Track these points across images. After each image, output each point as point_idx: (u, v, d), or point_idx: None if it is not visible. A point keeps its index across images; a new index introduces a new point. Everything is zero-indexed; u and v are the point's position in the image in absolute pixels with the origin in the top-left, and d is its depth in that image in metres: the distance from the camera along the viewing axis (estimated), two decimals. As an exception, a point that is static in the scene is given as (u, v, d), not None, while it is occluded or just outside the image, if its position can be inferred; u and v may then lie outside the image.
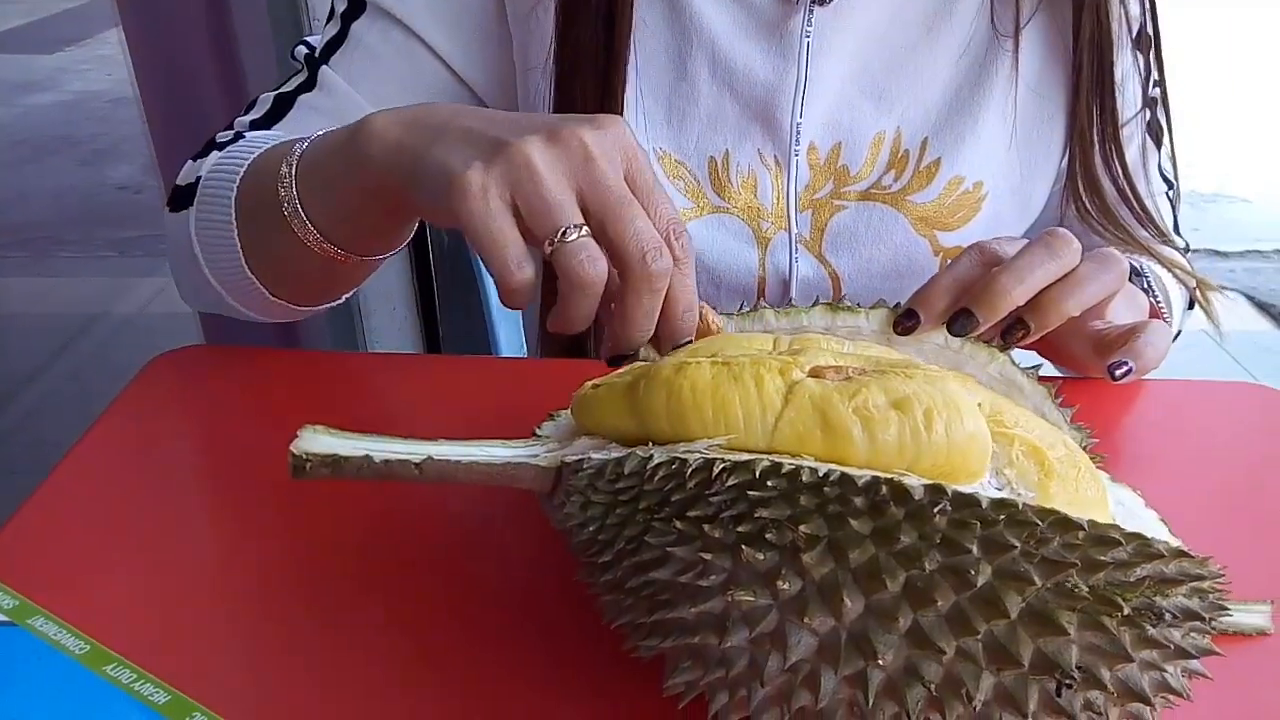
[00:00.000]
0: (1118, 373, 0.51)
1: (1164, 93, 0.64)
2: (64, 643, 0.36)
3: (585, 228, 0.37)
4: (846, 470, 0.29)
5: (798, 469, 0.29)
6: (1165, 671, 0.29)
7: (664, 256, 0.37)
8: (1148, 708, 0.29)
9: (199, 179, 0.55)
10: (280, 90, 0.62)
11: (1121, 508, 0.39)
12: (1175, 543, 0.37)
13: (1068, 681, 0.27)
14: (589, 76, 0.58)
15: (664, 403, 0.32)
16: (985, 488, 0.32)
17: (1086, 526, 0.27)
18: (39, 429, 1.87)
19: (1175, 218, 0.68)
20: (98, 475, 0.49)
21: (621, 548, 0.32)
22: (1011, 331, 0.47)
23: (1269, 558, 0.47)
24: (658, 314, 0.38)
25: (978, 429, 0.30)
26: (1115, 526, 0.28)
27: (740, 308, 0.45)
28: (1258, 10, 4.99)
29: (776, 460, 0.29)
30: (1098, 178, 0.62)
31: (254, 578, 0.43)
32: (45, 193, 3.00)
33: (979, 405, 0.36)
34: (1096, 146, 0.62)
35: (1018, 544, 0.27)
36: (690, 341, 0.39)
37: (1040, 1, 0.62)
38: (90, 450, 0.51)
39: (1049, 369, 0.59)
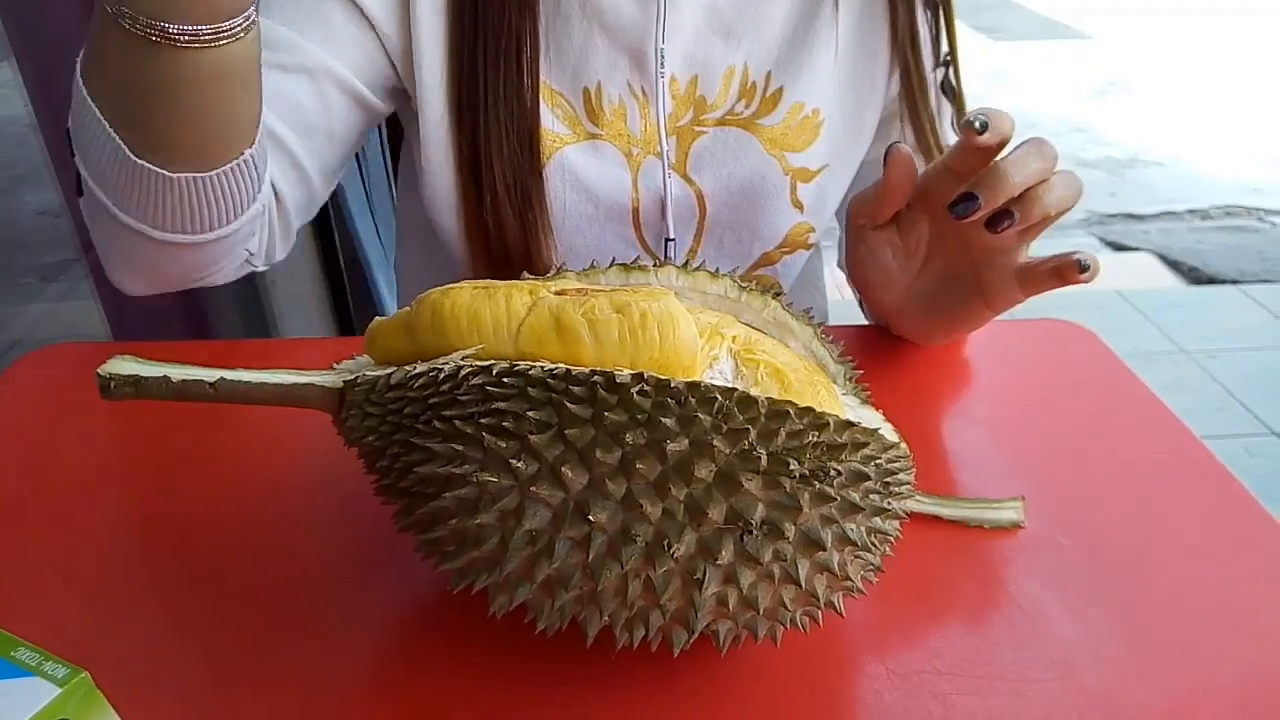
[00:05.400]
0: (1082, 266, 0.53)
1: (954, 56, 0.72)
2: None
3: None
4: (570, 367, 0.34)
5: (530, 368, 0.34)
6: (845, 526, 0.35)
7: None
8: (837, 557, 0.35)
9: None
10: None
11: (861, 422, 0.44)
12: (894, 438, 0.44)
13: (748, 529, 0.32)
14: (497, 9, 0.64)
15: (429, 319, 0.36)
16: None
17: (764, 403, 0.33)
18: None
19: None
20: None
21: (396, 452, 0.37)
22: (998, 220, 0.53)
23: (1019, 463, 0.54)
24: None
25: (687, 331, 0.35)
26: (791, 402, 0.33)
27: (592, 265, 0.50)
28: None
29: (514, 363, 0.34)
30: (918, 108, 0.70)
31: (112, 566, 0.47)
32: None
33: (735, 338, 0.42)
34: (915, 79, 0.70)
35: (707, 419, 0.33)
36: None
37: None
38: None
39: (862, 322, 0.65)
